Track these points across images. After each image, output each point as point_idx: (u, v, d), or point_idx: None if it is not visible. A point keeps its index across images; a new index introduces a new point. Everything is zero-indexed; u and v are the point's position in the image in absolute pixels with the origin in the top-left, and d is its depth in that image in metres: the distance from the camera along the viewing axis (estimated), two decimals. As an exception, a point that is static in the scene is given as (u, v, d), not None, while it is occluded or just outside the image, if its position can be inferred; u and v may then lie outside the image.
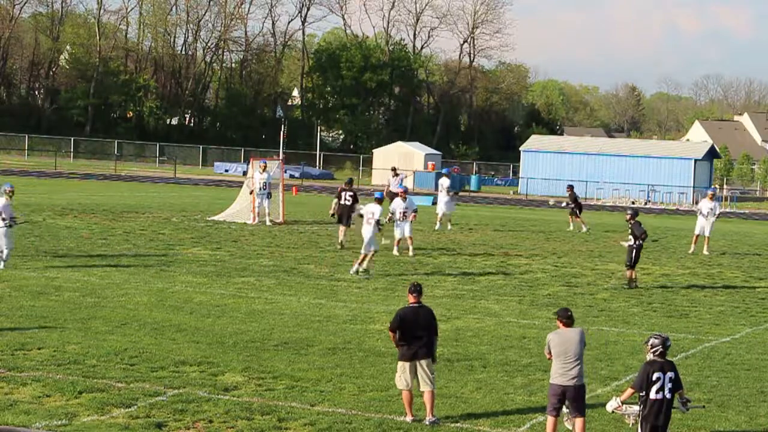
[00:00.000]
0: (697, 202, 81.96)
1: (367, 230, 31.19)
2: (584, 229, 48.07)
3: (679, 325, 24.70)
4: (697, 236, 40.28)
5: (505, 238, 43.71)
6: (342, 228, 37.22)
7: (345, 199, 37.62)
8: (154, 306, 24.07)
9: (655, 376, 14.04)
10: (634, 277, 30.99)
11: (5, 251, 28.30)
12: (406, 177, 59.59)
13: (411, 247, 35.77)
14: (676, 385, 14.13)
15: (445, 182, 46.58)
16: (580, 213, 49.41)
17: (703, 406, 15.36)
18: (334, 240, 37.70)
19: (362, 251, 31.07)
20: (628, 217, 31.29)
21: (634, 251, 30.70)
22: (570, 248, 40.19)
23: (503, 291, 29.04)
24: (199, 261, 32.02)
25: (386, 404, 16.57)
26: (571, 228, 48.90)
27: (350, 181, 40.39)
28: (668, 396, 14.01)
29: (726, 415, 16.74)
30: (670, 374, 14.05)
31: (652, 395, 14.00)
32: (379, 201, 32.30)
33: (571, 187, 50.77)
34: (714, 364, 20.52)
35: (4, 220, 28.03)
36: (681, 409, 14.39)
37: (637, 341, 22.58)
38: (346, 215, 37.21)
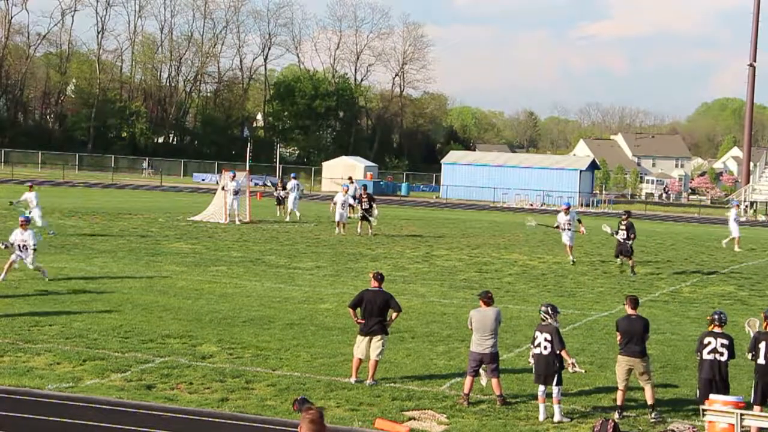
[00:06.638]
0: (582, 205, 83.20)
1: (566, 236, 33.33)
2: (287, 219, 46.40)
3: (568, 302, 24.88)
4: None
5: (429, 233, 43.80)
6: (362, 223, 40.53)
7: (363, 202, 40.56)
8: (144, 290, 23.88)
9: (536, 335, 14.36)
10: (632, 264, 31.63)
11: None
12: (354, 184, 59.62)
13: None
14: (556, 344, 14.24)
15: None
16: (284, 203, 48.46)
17: (584, 371, 15.43)
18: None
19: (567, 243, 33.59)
20: (624, 217, 31.84)
21: (629, 245, 31.19)
22: (481, 242, 40.36)
23: (428, 277, 29.08)
24: (181, 253, 31.80)
25: (333, 368, 16.56)
26: (279, 214, 48.27)
27: (365, 187, 43.78)
28: (544, 352, 14.18)
29: (605, 374, 16.91)
30: (545, 335, 14.25)
31: (534, 350, 14.27)
32: (567, 210, 33.84)
33: (281, 181, 51.95)
34: (595, 334, 20.73)
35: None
36: (568, 369, 14.49)
37: (534, 316, 22.74)
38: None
